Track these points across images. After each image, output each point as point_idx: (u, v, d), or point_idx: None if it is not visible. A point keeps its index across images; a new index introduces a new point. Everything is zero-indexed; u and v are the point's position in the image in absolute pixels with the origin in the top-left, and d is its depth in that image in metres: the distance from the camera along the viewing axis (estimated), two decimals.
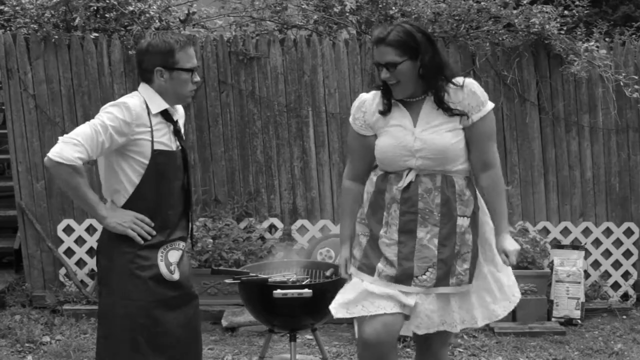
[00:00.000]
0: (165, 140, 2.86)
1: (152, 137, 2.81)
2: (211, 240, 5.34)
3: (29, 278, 5.64)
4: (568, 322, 5.32)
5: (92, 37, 5.51)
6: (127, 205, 2.84)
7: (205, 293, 5.26)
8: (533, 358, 4.70)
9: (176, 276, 2.88)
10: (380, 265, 2.79)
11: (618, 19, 8.79)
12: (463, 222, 2.80)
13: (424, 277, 2.76)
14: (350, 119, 2.93)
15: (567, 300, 5.36)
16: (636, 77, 5.52)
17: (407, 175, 2.78)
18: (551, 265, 5.49)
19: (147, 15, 5.56)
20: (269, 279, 3.45)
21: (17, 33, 5.53)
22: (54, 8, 5.56)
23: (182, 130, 3.01)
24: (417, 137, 2.76)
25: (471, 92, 2.77)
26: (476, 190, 2.86)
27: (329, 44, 5.67)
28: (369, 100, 2.89)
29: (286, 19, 6.08)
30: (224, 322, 5.13)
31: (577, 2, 5.66)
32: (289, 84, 5.66)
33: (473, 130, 2.78)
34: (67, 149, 2.68)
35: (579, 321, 5.34)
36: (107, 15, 5.58)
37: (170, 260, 2.87)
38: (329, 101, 5.68)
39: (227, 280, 3.53)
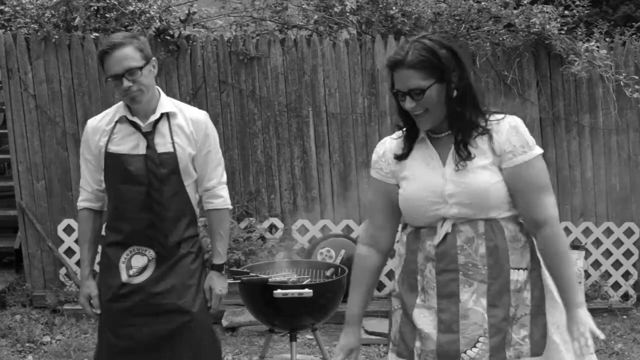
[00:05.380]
0: (125, 145, 2.81)
1: (108, 142, 2.83)
2: None
3: (29, 278, 5.63)
4: None
5: (92, 37, 5.51)
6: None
7: None
8: None
9: (136, 280, 2.82)
10: (417, 345, 2.23)
11: (618, 19, 8.79)
12: (518, 276, 2.21)
13: (474, 351, 2.16)
14: (372, 171, 2.38)
15: None
16: (636, 77, 5.52)
17: (441, 226, 2.22)
18: None
19: (148, 15, 5.56)
20: (270, 279, 3.46)
21: (18, 33, 5.53)
22: (54, 8, 5.56)
23: (172, 137, 2.82)
24: (448, 179, 2.20)
25: (513, 129, 2.19)
26: (534, 239, 2.27)
27: (330, 44, 5.67)
28: (392, 146, 2.34)
29: (286, 19, 6.09)
30: (224, 322, 5.13)
31: (577, 2, 5.66)
32: (290, 84, 5.66)
33: (515, 176, 2.18)
34: None
35: None
36: (107, 15, 5.58)
37: (132, 264, 2.84)
38: (329, 101, 5.68)
39: (228, 280, 3.53)
